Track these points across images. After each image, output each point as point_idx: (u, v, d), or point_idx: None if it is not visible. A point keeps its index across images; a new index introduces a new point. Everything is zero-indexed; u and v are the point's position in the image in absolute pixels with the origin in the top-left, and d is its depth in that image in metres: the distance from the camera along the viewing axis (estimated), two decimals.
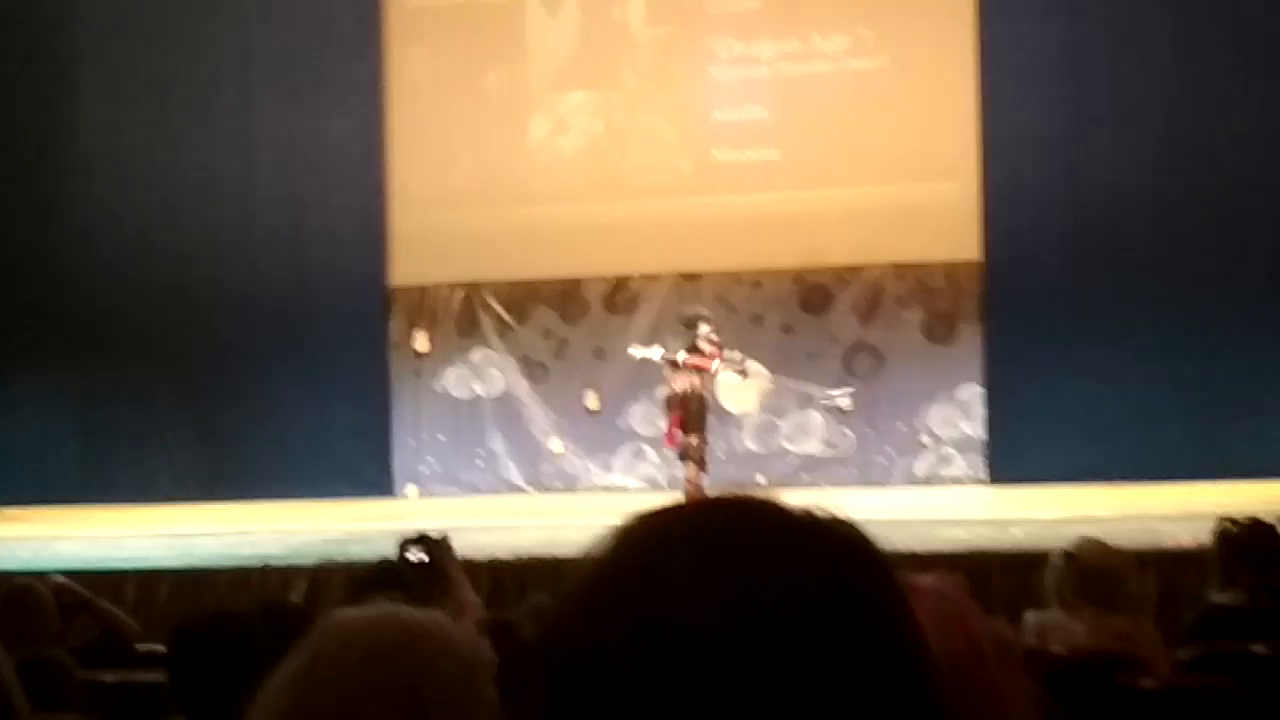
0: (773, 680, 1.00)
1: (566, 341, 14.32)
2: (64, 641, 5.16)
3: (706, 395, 11.95)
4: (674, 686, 1.00)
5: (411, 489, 14.58)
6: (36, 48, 15.08)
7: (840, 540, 1.07)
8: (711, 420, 12.14)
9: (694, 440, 11.86)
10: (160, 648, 4.40)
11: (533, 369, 14.52)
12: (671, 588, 1.02)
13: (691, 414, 11.86)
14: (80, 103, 15.01)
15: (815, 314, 14.13)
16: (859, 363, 14.03)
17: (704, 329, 11.99)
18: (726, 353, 12.10)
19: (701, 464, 11.87)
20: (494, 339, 14.62)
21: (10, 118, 14.98)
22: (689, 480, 11.86)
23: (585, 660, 1.03)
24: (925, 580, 2.05)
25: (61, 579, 5.91)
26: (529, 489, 14.37)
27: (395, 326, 14.75)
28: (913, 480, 13.77)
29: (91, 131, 14.97)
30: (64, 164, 15.06)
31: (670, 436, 12.08)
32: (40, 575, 6.12)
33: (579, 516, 11.09)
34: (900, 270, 13.96)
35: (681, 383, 11.87)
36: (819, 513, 1.08)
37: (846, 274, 14.07)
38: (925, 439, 13.85)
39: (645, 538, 1.07)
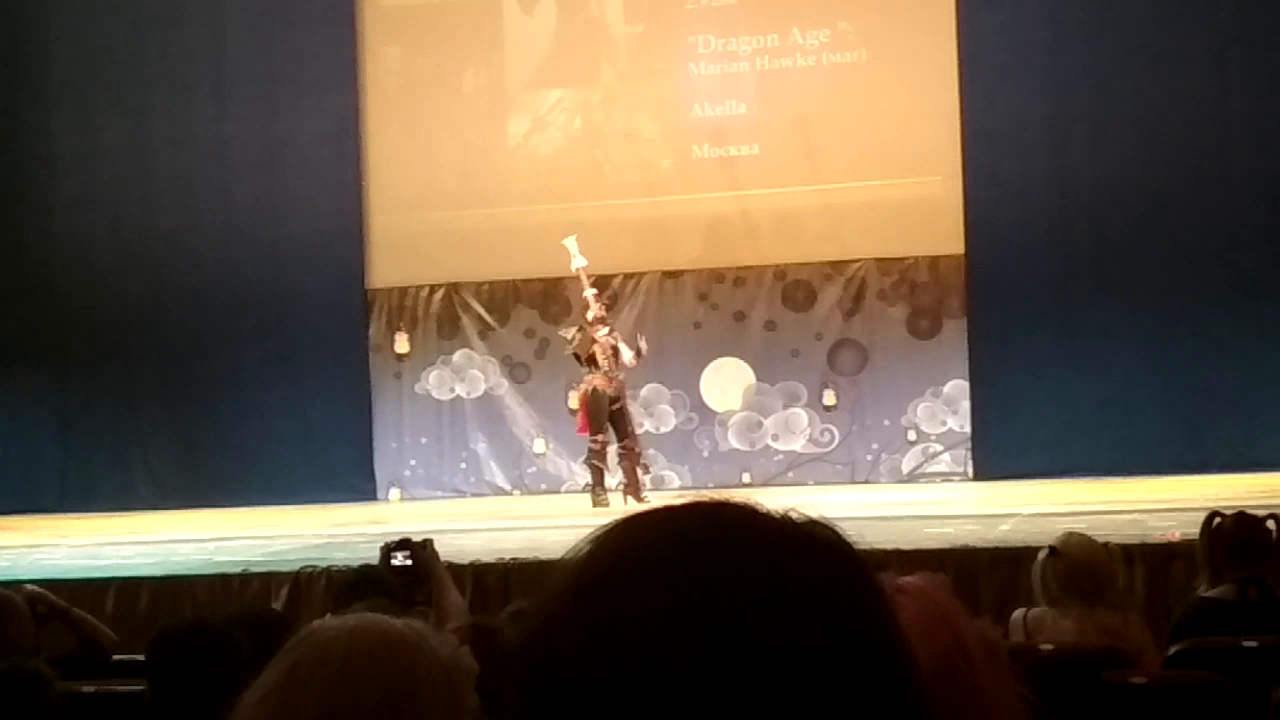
0: (751, 685, 0.98)
1: (548, 341, 14.28)
2: (39, 652, 5.11)
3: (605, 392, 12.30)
4: (650, 693, 0.98)
5: (394, 492, 14.55)
6: (10, 52, 15.02)
7: (818, 543, 1.05)
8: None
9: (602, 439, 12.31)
10: (138, 657, 4.35)
11: (514, 369, 14.49)
12: (647, 594, 1.00)
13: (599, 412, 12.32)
14: (55, 107, 14.95)
15: (798, 310, 14.12)
16: (843, 359, 14.02)
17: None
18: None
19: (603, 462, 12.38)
20: (475, 340, 14.59)
21: None
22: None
23: (561, 667, 1.01)
24: (910, 581, 2.03)
25: (35, 588, 5.85)
26: (512, 490, 14.34)
27: (375, 329, 14.72)
28: (898, 476, 13.77)
29: (66, 136, 14.91)
30: (39, 169, 15.00)
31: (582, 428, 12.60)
32: (13, 585, 6.06)
33: (563, 518, 11.06)
34: (883, 265, 13.96)
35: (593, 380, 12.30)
36: (796, 516, 1.05)
37: (829, 270, 14.06)
38: (911, 435, 13.84)
39: (621, 544, 1.05)
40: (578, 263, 12.68)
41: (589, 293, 12.53)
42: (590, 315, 12.43)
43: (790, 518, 1.05)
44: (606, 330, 12.38)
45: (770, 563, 1.01)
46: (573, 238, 12.75)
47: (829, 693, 0.98)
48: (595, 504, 12.13)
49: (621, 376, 12.46)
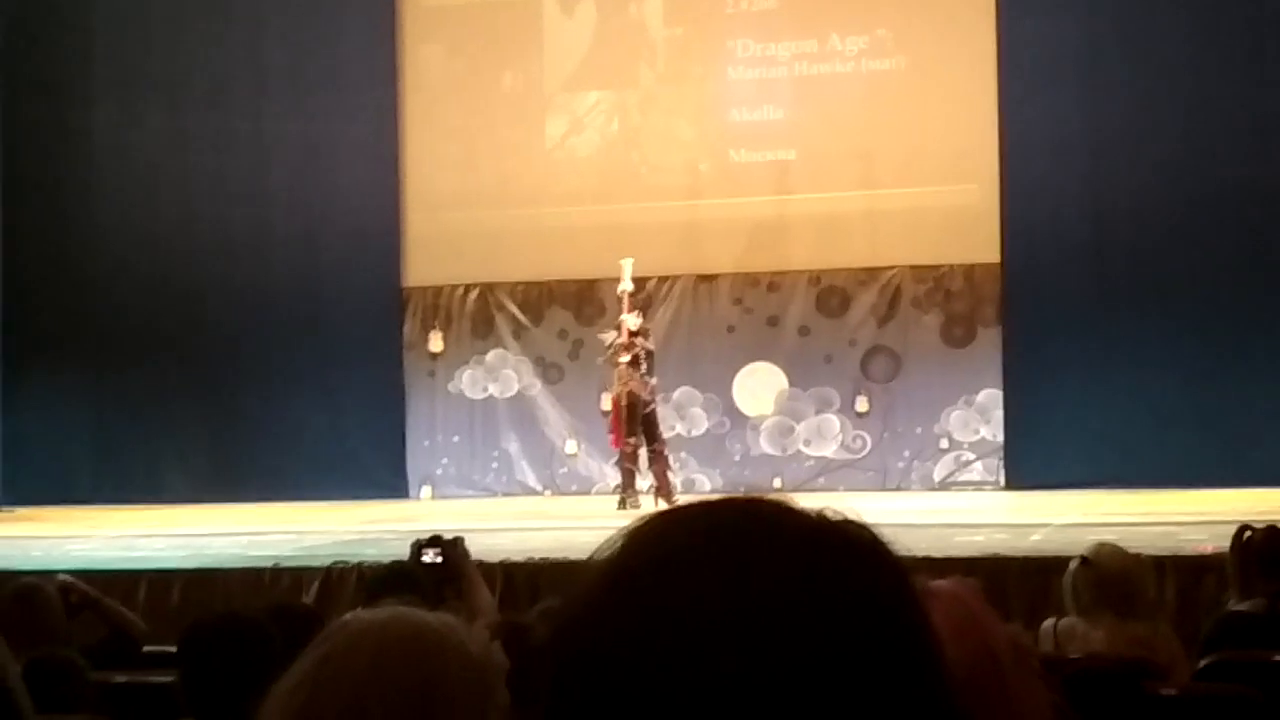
0: (782, 684, 0.97)
1: (582, 342, 14.28)
2: (70, 642, 5.15)
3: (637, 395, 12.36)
4: (681, 689, 0.98)
5: (426, 490, 14.57)
6: (52, 49, 15.10)
7: (853, 542, 1.05)
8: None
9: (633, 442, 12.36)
10: (169, 648, 4.37)
11: (547, 370, 14.50)
12: (680, 590, 1.00)
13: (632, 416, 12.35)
14: (95, 104, 15.02)
15: (832, 316, 14.09)
16: (876, 366, 13.99)
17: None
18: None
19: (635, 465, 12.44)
20: (509, 340, 14.60)
21: (26, 119, 14.99)
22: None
23: (592, 662, 1.01)
24: (942, 584, 2.03)
25: (67, 577, 5.89)
26: (543, 491, 14.35)
27: (410, 327, 14.75)
28: (930, 484, 13.73)
29: (106, 133, 14.98)
30: (79, 166, 15.07)
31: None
32: (46, 574, 6.10)
33: (593, 519, 11.07)
34: (918, 272, 13.92)
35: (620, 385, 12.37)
36: (831, 515, 1.05)
37: (864, 276, 14.03)
38: (943, 443, 13.80)
39: (654, 539, 1.05)
40: (624, 286, 12.69)
41: (625, 317, 12.57)
42: (625, 329, 12.51)
43: (825, 515, 1.05)
44: (629, 357, 12.42)
45: (805, 559, 1.01)
46: (629, 260, 12.74)
47: (862, 690, 0.98)
48: (626, 506, 12.15)
49: (654, 381, 12.53)
